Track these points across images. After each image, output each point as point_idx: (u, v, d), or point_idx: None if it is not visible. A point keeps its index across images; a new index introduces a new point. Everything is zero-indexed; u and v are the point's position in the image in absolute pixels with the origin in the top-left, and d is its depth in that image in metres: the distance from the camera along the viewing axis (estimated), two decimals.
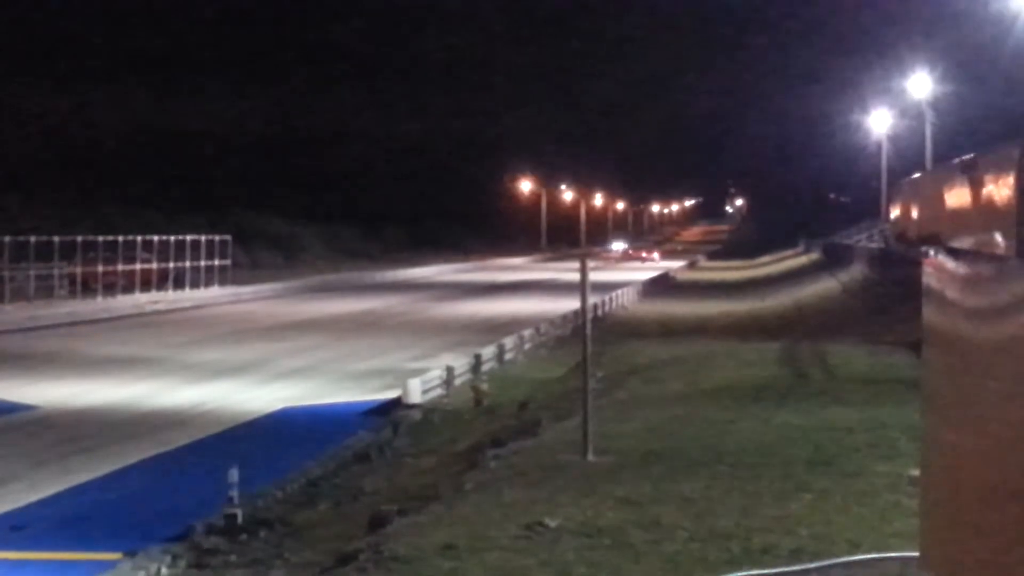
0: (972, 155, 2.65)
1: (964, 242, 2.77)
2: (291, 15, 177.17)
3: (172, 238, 75.53)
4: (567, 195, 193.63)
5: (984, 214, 2.53)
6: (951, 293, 3.17)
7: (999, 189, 2.41)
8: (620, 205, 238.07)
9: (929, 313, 3.62)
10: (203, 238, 78.31)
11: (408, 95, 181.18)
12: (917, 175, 3.58)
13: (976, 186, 2.58)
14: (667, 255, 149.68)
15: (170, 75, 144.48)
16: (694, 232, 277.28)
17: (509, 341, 43.61)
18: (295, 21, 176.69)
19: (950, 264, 3.13)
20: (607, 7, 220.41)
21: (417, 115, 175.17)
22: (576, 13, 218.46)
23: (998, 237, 2.47)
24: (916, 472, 15.20)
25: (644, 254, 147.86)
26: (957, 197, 2.75)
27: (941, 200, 2.91)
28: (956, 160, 2.73)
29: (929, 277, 3.56)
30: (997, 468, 3.06)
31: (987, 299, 2.74)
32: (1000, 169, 2.39)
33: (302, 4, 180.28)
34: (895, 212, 3.71)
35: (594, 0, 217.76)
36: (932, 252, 3.35)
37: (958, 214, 2.78)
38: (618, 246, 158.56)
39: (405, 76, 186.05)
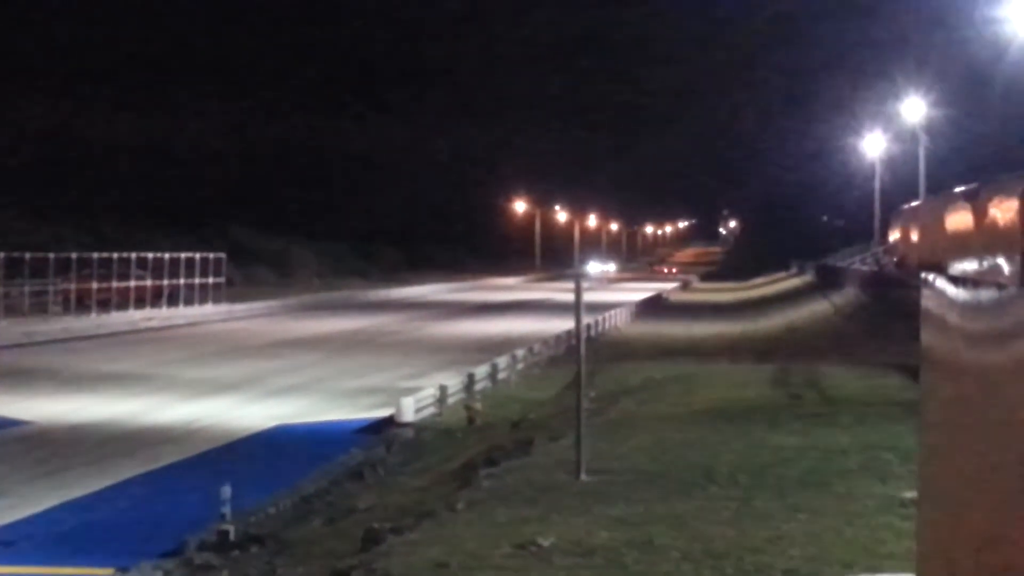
0: (976, 184, 2.69)
1: (966, 270, 2.81)
2: (284, 31, 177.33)
3: (166, 255, 75.51)
4: (561, 216, 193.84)
5: (987, 242, 2.58)
6: (952, 319, 3.21)
7: (1003, 218, 2.46)
8: (614, 226, 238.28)
9: (928, 339, 3.66)
10: (197, 256, 78.28)
11: (404, 115, 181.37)
12: (917, 202, 3.63)
13: (979, 215, 2.62)
14: (664, 276, 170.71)
15: (163, 90, 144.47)
16: (687, 253, 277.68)
17: (502, 361, 43.62)
18: (287, 38, 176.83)
19: (951, 291, 3.17)
20: (598, 38, 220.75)
21: (412, 135, 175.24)
22: (566, 40, 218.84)
23: (1003, 265, 2.52)
24: (909, 494, 15.27)
25: (665, 270, 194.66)
26: (959, 225, 2.79)
27: (942, 228, 2.95)
28: (959, 188, 2.78)
29: (928, 303, 3.60)
30: (996, 491, 3.10)
31: (989, 326, 2.78)
32: (1005, 198, 2.44)
33: (296, 15, 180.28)
34: (894, 237, 3.75)
35: (587, 30, 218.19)
36: (932, 278, 3.39)
37: (960, 242, 2.82)
38: (597, 268, 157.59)
39: (401, 94, 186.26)
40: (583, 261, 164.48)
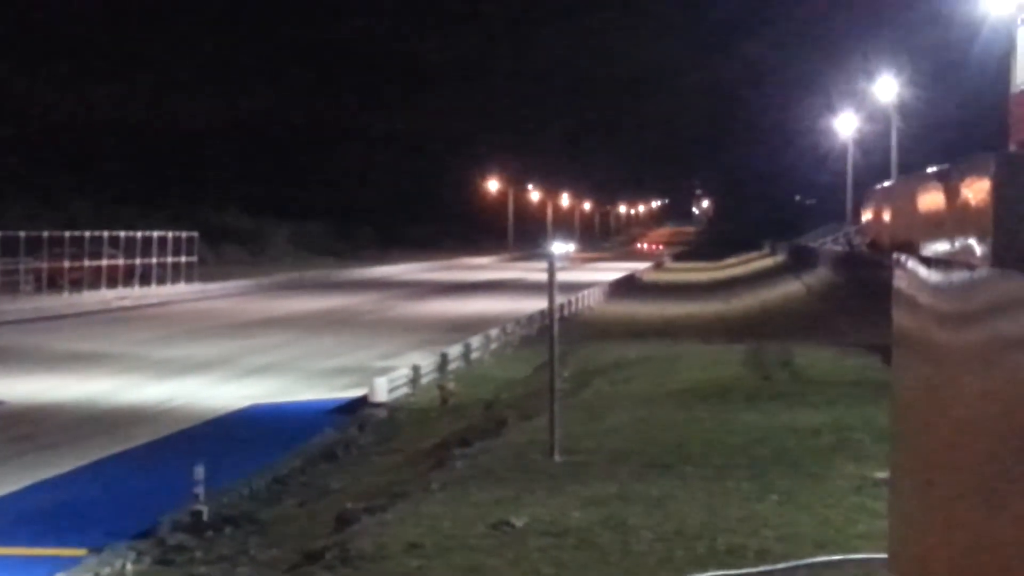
0: (947, 164, 2.69)
1: (937, 250, 2.80)
2: (251, 15, 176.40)
3: (139, 235, 75.26)
4: (534, 195, 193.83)
5: (959, 223, 2.58)
6: (923, 299, 3.21)
7: (975, 198, 2.46)
8: (587, 206, 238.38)
9: (900, 318, 3.66)
10: (170, 235, 78.05)
11: (377, 93, 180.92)
12: (889, 183, 3.64)
13: (951, 195, 2.62)
14: (636, 255, 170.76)
15: (135, 67, 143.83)
16: (661, 233, 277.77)
17: (476, 340, 43.61)
18: (256, 21, 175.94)
19: (922, 271, 3.16)
20: (565, 23, 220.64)
21: (385, 113, 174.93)
22: (535, 30, 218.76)
23: (974, 246, 2.51)
24: (881, 474, 15.33)
25: (654, 247, 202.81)
26: (931, 205, 2.79)
27: (914, 208, 2.95)
28: (932, 169, 2.77)
29: (900, 283, 3.60)
30: (966, 471, 3.11)
31: (959, 306, 2.78)
32: (977, 179, 2.43)
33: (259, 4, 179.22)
34: (866, 218, 3.75)
35: (555, 14, 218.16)
36: (904, 259, 3.38)
37: (932, 222, 2.82)
38: (560, 248, 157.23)
39: (372, 74, 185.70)
40: (551, 242, 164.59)
